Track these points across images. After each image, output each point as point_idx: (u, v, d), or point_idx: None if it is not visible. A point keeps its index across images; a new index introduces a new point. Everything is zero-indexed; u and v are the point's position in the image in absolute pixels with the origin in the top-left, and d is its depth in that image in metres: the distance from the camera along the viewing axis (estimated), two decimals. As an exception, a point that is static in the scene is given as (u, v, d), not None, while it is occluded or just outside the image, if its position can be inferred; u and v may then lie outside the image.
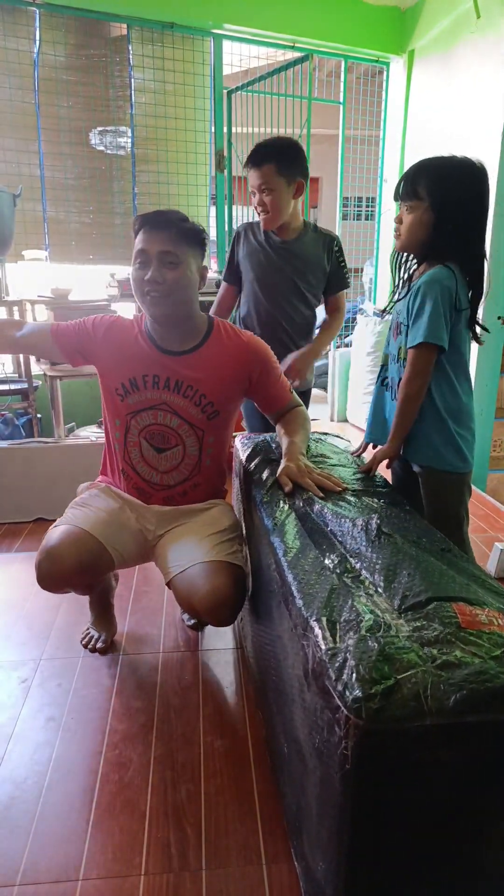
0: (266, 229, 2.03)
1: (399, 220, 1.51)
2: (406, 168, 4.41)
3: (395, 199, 1.53)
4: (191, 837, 1.27)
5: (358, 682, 0.76)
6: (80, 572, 1.53)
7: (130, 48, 3.43)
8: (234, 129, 3.86)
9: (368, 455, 1.70)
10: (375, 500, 1.37)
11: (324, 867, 0.93)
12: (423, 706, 0.74)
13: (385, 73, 4.21)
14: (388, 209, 4.36)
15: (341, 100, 4.10)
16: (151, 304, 1.55)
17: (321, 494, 1.44)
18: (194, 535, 1.64)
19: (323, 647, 0.85)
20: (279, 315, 2.09)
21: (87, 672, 1.77)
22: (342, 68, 4.03)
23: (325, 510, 1.31)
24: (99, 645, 1.85)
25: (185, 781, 1.40)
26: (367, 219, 4.58)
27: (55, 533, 1.56)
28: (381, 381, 1.69)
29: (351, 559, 1.10)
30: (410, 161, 4.07)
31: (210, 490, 1.75)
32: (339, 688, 0.77)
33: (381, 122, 4.33)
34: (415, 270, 1.57)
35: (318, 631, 0.88)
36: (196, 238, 1.56)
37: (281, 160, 1.90)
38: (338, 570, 1.05)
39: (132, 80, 3.48)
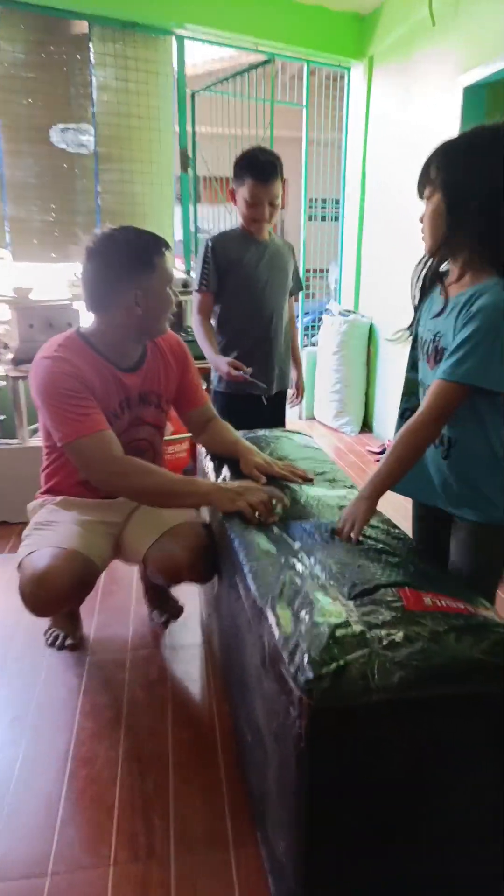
0: (260, 235, 2.16)
1: (422, 219, 1.22)
2: (368, 167, 4.39)
3: (420, 196, 1.24)
4: (158, 827, 1.30)
5: (310, 665, 0.80)
6: (76, 589, 1.50)
7: (91, 46, 3.42)
8: (198, 130, 3.87)
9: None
10: (333, 502, 1.41)
11: (284, 846, 0.97)
12: (369, 684, 0.79)
13: (346, 77, 4.28)
14: (352, 211, 4.43)
15: (304, 103, 4.15)
16: (166, 325, 1.64)
17: (298, 480, 1.54)
18: (156, 509, 1.70)
19: (277, 634, 0.89)
20: (276, 310, 2.24)
21: (55, 672, 1.77)
22: (304, 72, 4.09)
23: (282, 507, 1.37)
24: (68, 642, 1.86)
25: (153, 774, 1.43)
26: (333, 220, 4.64)
27: (39, 560, 1.48)
28: (406, 417, 1.31)
29: (305, 554, 1.14)
30: (372, 164, 4.16)
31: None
32: (293, 671, 0.82)
33: (344, 125, 4.40)
34: (446, 277, 1.25)
35: (272, 619, 0.92)
36: None
37: (281, 171, 2.03)
38: (291, 562, 1.09)
39: (93, 78, 3.47)
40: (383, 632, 0.86)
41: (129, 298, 1.53)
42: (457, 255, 1.19)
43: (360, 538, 1.22)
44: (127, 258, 1.52)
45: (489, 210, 1.11)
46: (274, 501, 1.39)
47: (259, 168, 2.00)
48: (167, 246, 1.58)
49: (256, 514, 1.36)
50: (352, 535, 1.22)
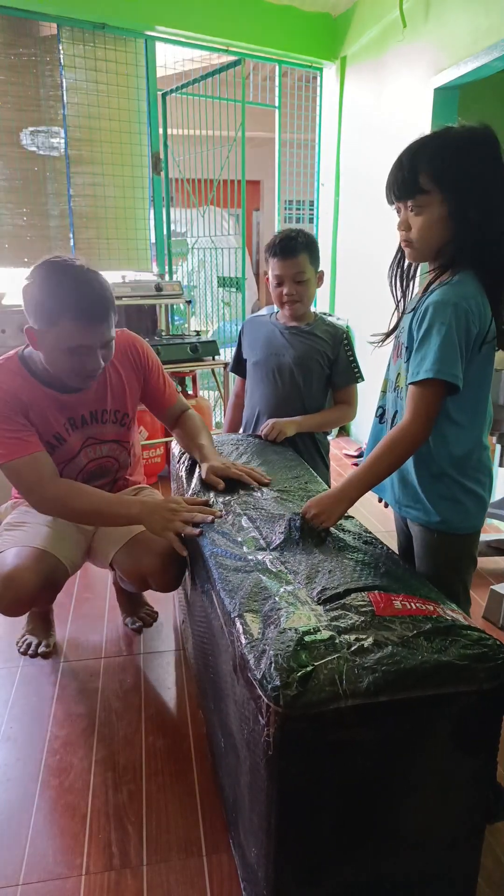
0: (292, 317, 1.97)
1: (405, 226, 1.17)
2: (342, 169, 4.43)
3: (391, 201, 1.19)
4: (132, 835, 1.29)
5: (277, 672, 0.80)
6: (44, 589, 1.53)
7: (61, 48, 3.39)
8: (169, 132, 3.86)
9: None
10: (301, 504, 1.41)
11: (256, 852, 0.97)
12: (338, 690, 0.79)
13: (319, 78, 4.30)
14: (326, 212, 4.45)
15: (276, 104, 4.15)
16: (80, 382, 1.53)
17: (255, 483, 1.53)
18: None
19: (244, 640, 0.89)
20: (288, 399, 1.96)
21: (28, 681, 1.75)
22: (277, 73, 4.10)
23: (252, 513, 1.36)
24: (41, 649, 1.84)
25: (127, 782, 1.42)
26: (308, 222, 4.65)
27: (7, 557, 1.52)
28: (380, 415, 1.36)
29: (276, 558, 1.14)
30: (346, 165, 4.18)
31: (135, 476, 1.88)
32: (260, 678, 0.81)
33: (317, 126, 4.41)
34: (435, 277, 1.20)
35: (240, 626, 0.92)
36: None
37: (311, 251, 1.90)
38: (261, 567, 1.09)
39: (63, 80, 3.43)
40: (352, 636, 0.86)
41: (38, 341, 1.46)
42: (448, 259, 1.16)
43: (331, 537, 1.22)
44: (41, 299, 1.41)
45: (492, 216, 1.09)
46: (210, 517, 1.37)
47: (281, 244, 1.85)
48: (88, 317, 1.40)
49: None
50: (323, 524, 1.21)
